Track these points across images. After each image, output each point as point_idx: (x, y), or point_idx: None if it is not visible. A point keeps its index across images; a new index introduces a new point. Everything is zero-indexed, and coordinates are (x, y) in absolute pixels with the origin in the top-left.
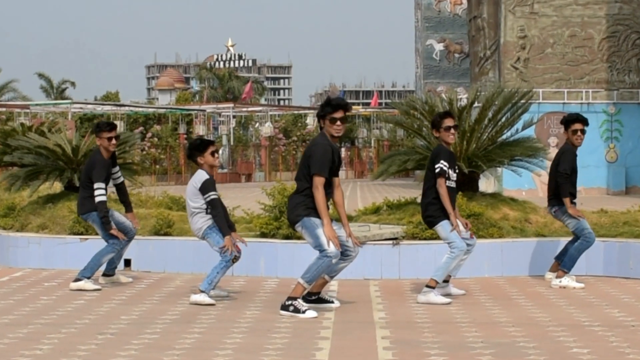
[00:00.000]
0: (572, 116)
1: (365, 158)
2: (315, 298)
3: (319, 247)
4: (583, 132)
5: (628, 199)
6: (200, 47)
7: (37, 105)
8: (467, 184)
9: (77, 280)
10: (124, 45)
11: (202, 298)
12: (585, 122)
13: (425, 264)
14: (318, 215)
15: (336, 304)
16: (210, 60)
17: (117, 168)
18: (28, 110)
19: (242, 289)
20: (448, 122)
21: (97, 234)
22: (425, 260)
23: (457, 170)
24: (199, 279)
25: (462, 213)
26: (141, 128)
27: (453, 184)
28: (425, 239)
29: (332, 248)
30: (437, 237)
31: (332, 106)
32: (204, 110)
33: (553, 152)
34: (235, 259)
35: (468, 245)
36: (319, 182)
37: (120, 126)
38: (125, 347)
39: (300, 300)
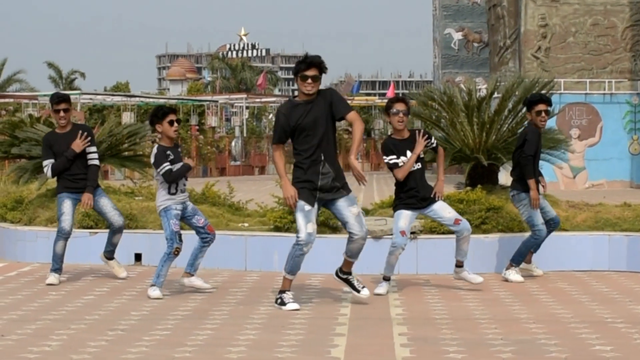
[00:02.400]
0: (535, 97)
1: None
2: (344, 277)
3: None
4: (547, 112)
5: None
6: (212, 37)
7: (45, 96)
8: (487, 177)
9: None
10: (135, 35)
11: (150, 292)
12: (549, 102)
13: (443, 258)
14: (303, 198)
15: (363, 293)
16: (222, 50)
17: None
18: (36, 101)
19: (255, 284)
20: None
21: (106, 227)
22: (443, 255)
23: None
24: (211, 273)
25: (481, 206)
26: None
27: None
28: (443, 233)
29: (302, 235)
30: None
31: (306, 63)
32: (216, 101)
33: (575, 144)
34: (177, 251)
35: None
36: (274, 149)
37: (131, 117)
38: (136, 343)
39: (286, 294)
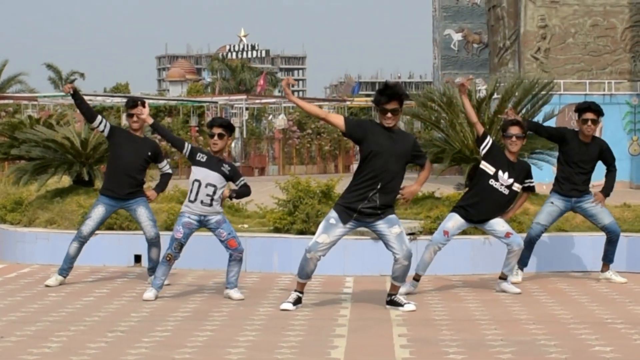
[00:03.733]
0: (582, 105)
1: None
2: (388, 300)
3: None
4: (594, 122)
5: None
6: (212, 38)
7: (45, 97)
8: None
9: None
10: (134, 36)
11: (144, 294)
12: (596, 112)
13: (443, 259)
14: (336, 210)
15: (407, 307)
16: (222, 51)
17: None
18: (36, 103)
19: (255, 286)
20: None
21: (108, 228)
22: (443, 255)
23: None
24: (211, 275)
25: None
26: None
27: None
28: None
29: (311, 242)
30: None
31: (386, 95)
32: (216, 102)
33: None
34: (169, 257)
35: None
36: (335, 119)
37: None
38: (135, 345)
39: (293, 293)
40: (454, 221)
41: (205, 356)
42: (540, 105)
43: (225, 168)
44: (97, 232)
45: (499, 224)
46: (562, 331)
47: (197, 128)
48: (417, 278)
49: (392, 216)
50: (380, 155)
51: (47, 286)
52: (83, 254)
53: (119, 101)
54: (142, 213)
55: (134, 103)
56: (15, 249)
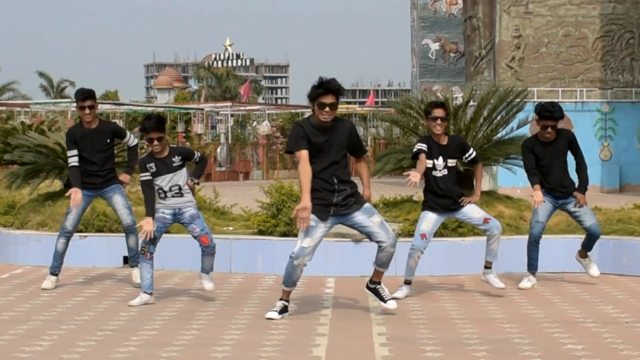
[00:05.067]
0: (537, 108)
1: None
2: (372, 287)
3: None
4: (553, 127)
5: (622, 197)
6: (198, 47)
7: (37, 104)
8: (463, 182)
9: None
10: (123, 45)
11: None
12: (550, 117)
13: (420, 261)
14: (313, 211)
15: (390, 304)
16: (208, 60)
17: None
18: (28, 109)
19: (239, 286)
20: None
21: (97, 231)
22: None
23: None
24: (197, 275)
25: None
26: (140, 126)
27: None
28: None
29: (295, 249)
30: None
31: (323, 89)
32: (202, 109)
33: None
34: (143, 250)
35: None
36: (299, 157)
37: (120, 124)
38: (124, 343)
39: (279, 302)
40: (427, 220)
41: (191, 354)
42: (514, 112)
43: (176, 160)
44: (87, 234)
45: (474, 211)
46: (535, 330)
47: (184, 134)
48: (408, 282)
49: (367, 205)
50: (325, 154)
51: (44, 289)
52: (74, 255)
53: (109, 108)
54: (117, 201)
55: (84, 95)
56: (8, 251)
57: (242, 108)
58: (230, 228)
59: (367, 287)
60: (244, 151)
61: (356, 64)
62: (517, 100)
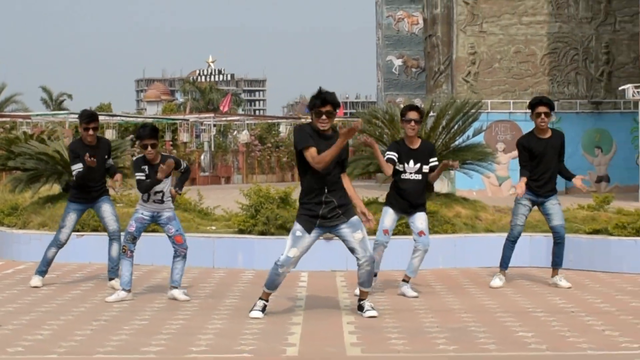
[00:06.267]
0: (535, 99)
1: None
2: (358, 304)
3: None
4: (547, 115)
5: (567, 198)
6: (184, 63)
7: (37, 115)
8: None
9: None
10: (116, 61)
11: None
12: (548, 105)
13: (385, 256)
14: (301, 222)
15: (368, 313)
16: (193, 75)
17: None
18: (29, 120)
19: (222, 280)
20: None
21: (93, 230)
22: (386, 253)
23: None
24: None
25: None
26: (131, 136)
27: None
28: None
29: (282, 257)
30: (396, 233)
31: (321, 99)
32: (187, 120)
33: (501, 156)
34: (124, 249)
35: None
36: (309, 155)
37: (112, 134)
38: (117, 332)
39: (260, 301)
40: (388, 217)
41: (178, 342)
42: (470, 122)
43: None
44: (83, 234)
45: (419, 219)
46: (490, 319)
47: (171, 142)
48: (406, 280)
49: (355, 219)
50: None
51: (34, 287)
52: (72, 252)
53: (103, 119)
54: (106, 209)
55: (89, 119)
56: (11, 249)
57: (224, 119)
58: (213, 227)
59: (357, 307)
60: (225, 158)
61: (327, 78)
62: (473, 111)
